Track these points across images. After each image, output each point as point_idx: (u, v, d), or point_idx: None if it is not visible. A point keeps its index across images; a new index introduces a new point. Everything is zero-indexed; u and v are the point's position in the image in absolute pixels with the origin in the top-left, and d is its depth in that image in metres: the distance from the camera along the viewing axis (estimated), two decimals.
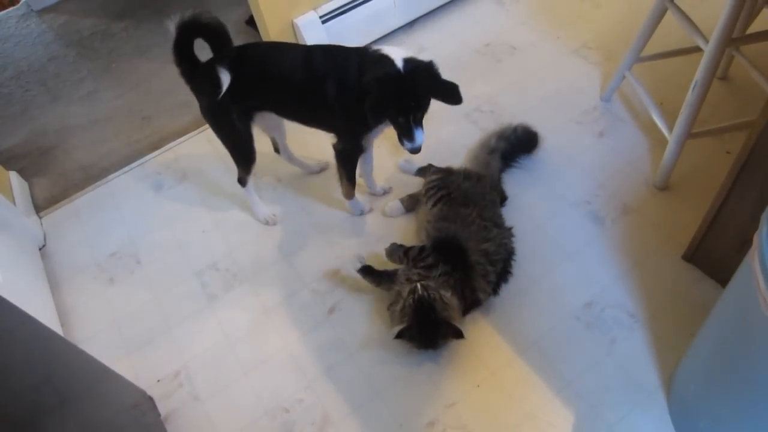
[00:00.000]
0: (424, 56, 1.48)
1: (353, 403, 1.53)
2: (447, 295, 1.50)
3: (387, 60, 1.44)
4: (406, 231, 1.85)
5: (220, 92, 1.52)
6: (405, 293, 1.51)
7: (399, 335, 1.51)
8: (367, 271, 1.66)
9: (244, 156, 1.77)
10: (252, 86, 1.59)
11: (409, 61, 1.44)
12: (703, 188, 1.77)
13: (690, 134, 1.69)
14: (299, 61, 1.56)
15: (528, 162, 1.97)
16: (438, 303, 1.47)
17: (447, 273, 1.54)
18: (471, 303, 1.59)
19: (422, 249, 1.60)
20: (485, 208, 1.69)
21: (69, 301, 1.87)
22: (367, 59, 1.48)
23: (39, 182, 2.27)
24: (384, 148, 2.07)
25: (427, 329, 1.49)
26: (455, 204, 1.69)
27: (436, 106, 1.49)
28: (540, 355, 1.54)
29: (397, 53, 1.45)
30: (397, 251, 1.64)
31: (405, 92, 1.44)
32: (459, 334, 1.50)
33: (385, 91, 1.43)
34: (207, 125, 2.29)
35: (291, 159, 2.02)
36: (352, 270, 1.68)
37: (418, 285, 1.48)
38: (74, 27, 2.99)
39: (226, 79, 1.50)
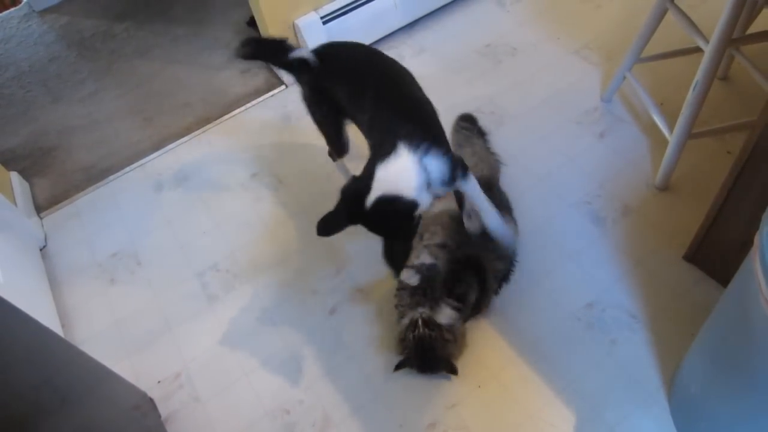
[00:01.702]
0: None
1: (354, 404, 1.53)
2: (456, 326, 1.49)
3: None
4: None
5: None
6: (406, 321, 1.49)
7: (399, 366, 1.51)
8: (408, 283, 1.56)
9: (332, 145, 1.77)
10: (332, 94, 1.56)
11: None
12: (704, 188, 1.76)
13: (690, 134, 1.68)
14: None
15: (529, 162, 1.97)
16: (438, 342, 1.45)
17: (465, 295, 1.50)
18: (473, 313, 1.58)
19: (455, 277, 1.50)
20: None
21: (69, 302, 1.87)
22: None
23: (40, 183, 2.27)
24: None
25: (426, 363, 1.49)
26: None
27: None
28: (541, 355, 1.54)
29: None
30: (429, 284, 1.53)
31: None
32: (454, 371, 1.49)
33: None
34: (208, 125, 2.32)
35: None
36: (354, 269, 1.66)
37: (420, 321, 1.46)
38: (76, 28, 3.00)
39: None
